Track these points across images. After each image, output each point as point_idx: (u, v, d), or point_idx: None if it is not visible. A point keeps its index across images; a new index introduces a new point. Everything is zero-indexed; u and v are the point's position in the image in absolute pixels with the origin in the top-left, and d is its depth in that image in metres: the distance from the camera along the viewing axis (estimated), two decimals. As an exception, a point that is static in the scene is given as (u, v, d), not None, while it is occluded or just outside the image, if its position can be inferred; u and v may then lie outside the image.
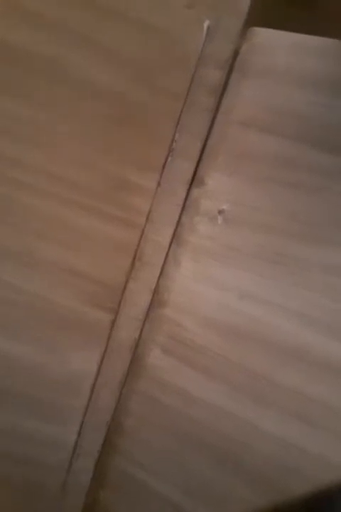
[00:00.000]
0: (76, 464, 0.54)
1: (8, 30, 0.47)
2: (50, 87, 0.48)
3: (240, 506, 0.48)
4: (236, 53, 0.47)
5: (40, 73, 0.48)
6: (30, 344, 0.51)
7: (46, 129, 0.48)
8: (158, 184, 0.50)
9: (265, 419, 0.47)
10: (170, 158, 0.49)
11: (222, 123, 0.48)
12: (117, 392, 0.53)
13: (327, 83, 0.44)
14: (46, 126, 0.48)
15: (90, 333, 0.52)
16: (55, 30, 0.47)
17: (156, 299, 0.51)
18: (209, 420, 0.49)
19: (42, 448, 0.54)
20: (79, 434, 0.53)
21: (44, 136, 0.49)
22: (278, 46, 0.46)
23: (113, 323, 0.52)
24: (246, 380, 0.48)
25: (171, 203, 0.50)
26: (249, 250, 0.48)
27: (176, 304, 0.51)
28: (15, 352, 0.51)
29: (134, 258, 0.51)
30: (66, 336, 0.52)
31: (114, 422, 0.53)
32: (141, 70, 0.48)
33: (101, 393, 0.53)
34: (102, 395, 0.53)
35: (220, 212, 0.49)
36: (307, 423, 0.45)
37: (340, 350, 0.44)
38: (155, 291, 0.51)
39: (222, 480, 0.49)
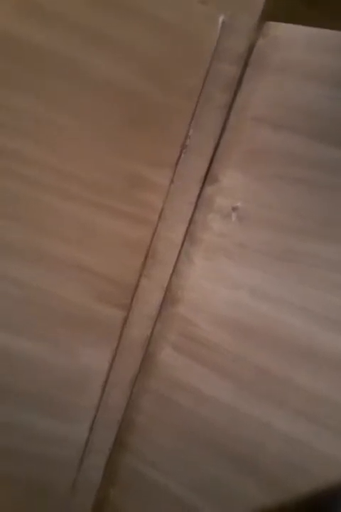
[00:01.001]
0: (87, 462, 0.54)
1: (19, 26, 0.46)
2: (62, 84, 0.47)
3: (251, 505, 0.48)
4: (251, 48, 0.47)
5: (51, 70, 0.47)
6: (42, 342, 0.51)
7: (59, 126, 0.48)
8: (171, 181, 0.49)
9: (276, 417, 0.47)
10: (183, 155, 0.49)
11: (236, 119, 0.48)
12: (128, 390, 0.52)
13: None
14: (60, 124, 0.48)
15: (102, 331, 0.52)
16: (65, 26, 0.47)
17: (169, 296, 0.51)
18: (220, 419, 0.49)
19: (52, 446, 0.54)
20: (90, 431, 0.53)
21: (56, 133, 0.48)
22: (295, 40, 0.46)
23: (125, 320, 0.51)
24: (257, 378, 0.47)
25: (184, 200, 0.50)
26: (262, 248, 0.48)
27: (188, 302, 0.51)
28: (26, 350, 0.51)
29: (147, 255, 0.51)
30: (77, 334, 0.52)
31: (125, 420, 0.53)
32: (154, 66, 0.48)
33: (113, 391, 0.53)
34: (113, 393, 0.53)
35: (234, 209, 0.49)
36: (316, 421, 0.45)
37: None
38: (168, 289, 0.51)
39: (232, 479, 0.49)
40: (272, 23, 0.46)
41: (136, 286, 0.51)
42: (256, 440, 0.47)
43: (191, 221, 0.50)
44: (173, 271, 0.51)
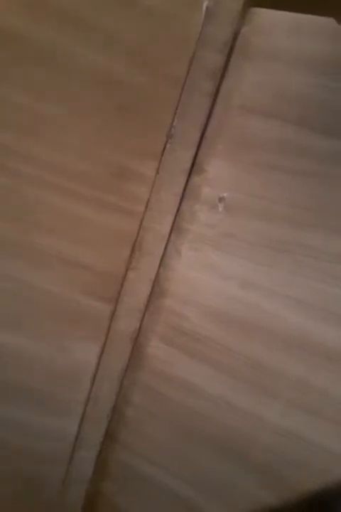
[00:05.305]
0: (77, 456, 0.54)
1: (6, 16, 0.45)
2: (45, 73, 0.46)
3: (246, 496, 0.48)
4: (236, 35, 0.46)
5: (38, 60, 0.46)
6: (30, 336, 0.51)
7: (44, 117, 0.47)
8: (157, 172, 0.49)
9: (269, 410, 0.46)
10: (168, 145, 0.48)
11: (222, 108, 0.47)
12: (118, 383, 0.52)
13: (331, 65, 0.43)
14: (44, 114, 0.47)
15: (90, 324, 0.51)
16: (49, 14, 0.46)
17: (156, 288, 0.51)
18: (210, 411, 0.49)
19: (43, 440, 0.53)
20: (80, 425, 0.53)
21: (40, 123, 0.47)
22: (280, 27, 0.45)
23: (113, 313, 0.51)
24: (248, 370, 0.47)
25: (170, 191, 0.49)
26: (250, 238, 0.47)
27: (176, 294, 0.50)
28: (15, 344, 0.51)
29: (133, 248, 0.50)
30: (65, 327, 0.51)
31: (115, 414, 0.53)
32: (138, 53, 0.47)
33: (102, 385, 0.52)
34: (103, 387, 0.52)
35: (221, 199, 0.48)
36: (309, 412, 0.45)
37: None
38: (156, 281, 0.51)
39: (225, 470, 0.49)
40: (256, 9, 0.45)
41: (124, 279, 0.51)
42: (249, 432, 0.47)
43: (178, 212, 0.49)
44: (160, 263, 0.50)
